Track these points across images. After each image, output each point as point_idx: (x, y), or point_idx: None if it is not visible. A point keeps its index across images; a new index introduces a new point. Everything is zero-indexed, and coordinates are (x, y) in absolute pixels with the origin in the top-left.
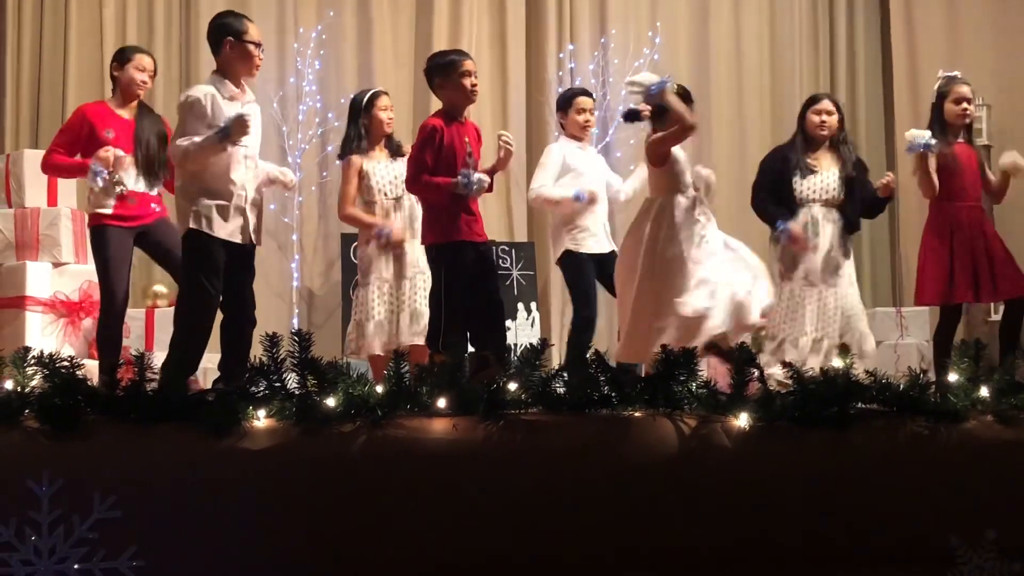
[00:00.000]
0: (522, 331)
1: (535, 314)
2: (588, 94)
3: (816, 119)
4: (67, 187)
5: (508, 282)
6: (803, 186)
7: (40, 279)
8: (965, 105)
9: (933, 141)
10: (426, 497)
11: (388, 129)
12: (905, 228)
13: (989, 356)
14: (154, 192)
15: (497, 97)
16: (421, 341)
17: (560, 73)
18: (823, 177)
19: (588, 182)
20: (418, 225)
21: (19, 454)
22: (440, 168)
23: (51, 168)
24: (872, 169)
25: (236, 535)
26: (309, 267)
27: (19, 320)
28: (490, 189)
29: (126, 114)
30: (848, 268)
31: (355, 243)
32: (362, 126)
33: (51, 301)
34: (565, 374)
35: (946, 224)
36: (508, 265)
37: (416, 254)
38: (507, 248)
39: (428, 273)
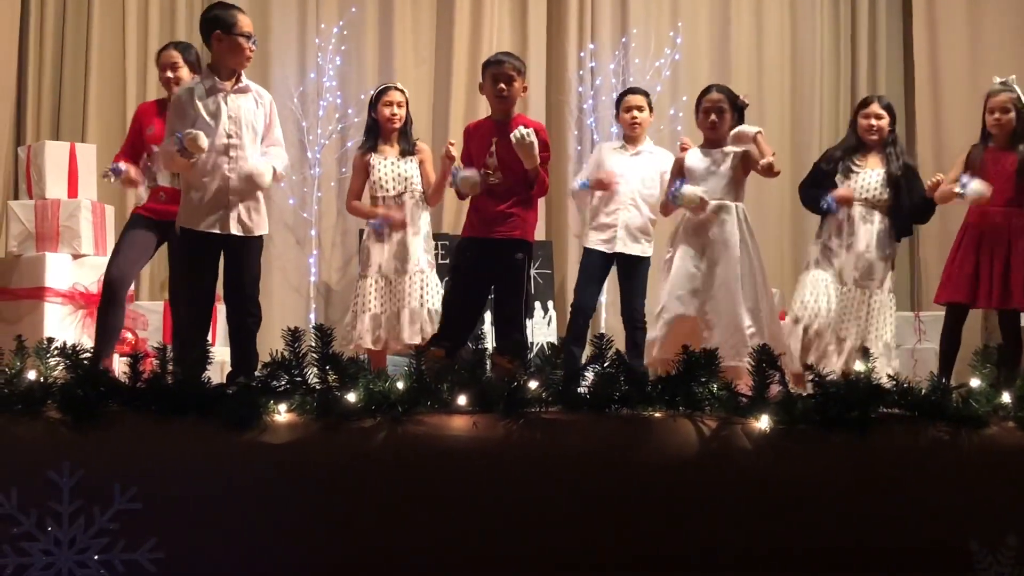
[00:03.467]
0: (539, 330)
1: (552, 312)
2: (639, 91)
3: (865, 122)
4: (88, 179)
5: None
6: (844, 185)
7: (60, 270)
8: (998, 115)
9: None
10: (446, 494)
11: (394, 125)
12: (925, 232)
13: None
14: None
15: None
16: (419, 340)
17: (580, 72)
18: (865, 176)
19: (621, 180)
20: (420, 223)
21: (41, 444)
22: (472, 160)
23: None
24: None
25: (255, 528)
26: (327, 262)
27: (38, 311)
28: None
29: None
30: (882, 271)
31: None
32: (372, 120)
33: (70, 292)
34: (586, 373)
35: (970, 227)
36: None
37: (418, 252)
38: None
39: (428, 272)
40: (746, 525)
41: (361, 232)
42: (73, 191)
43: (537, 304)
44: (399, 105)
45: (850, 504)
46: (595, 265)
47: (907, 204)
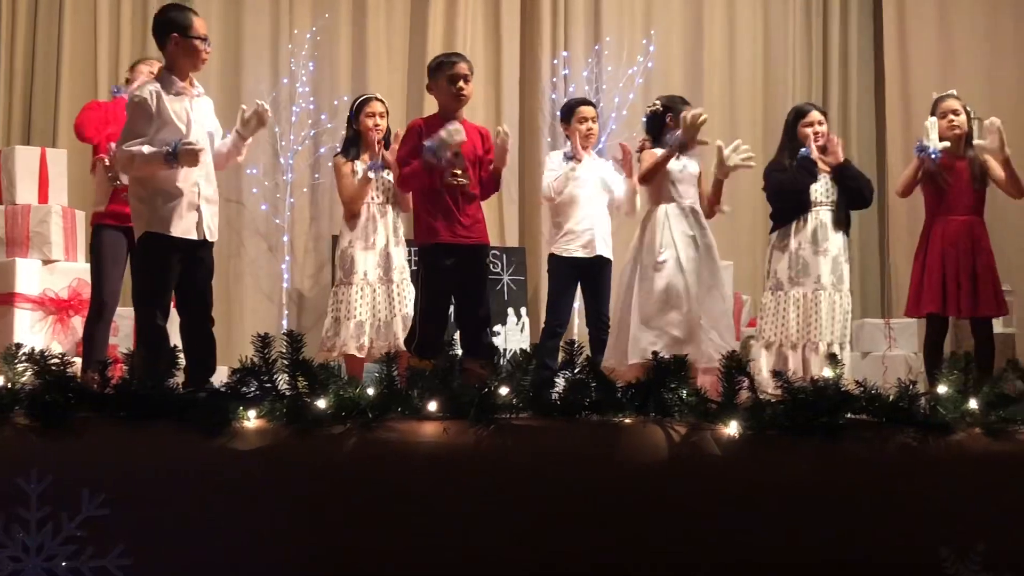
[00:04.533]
0: (512, 336)
1: (525, 319)
2: (590, 103)
3: (807, 131)
4: (58, 184)
5: (499, 287)
6: (814, 190)
7: (30, 276)
8: (951, 117)
9: (937, 153)
10: (416, 500)
11: (376, 135)
12: (895, 240)
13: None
14: None
15: (491, 103)
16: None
17: (554, 80)
18: (824, 181)
19: (583, 187)
20: (400, 233)
21: (8, 451)
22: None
23: None
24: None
25: (225, 535)
26: (300, 269)
27: (8, 317)
28: (494, 189)
29: None
30: (847, 273)
31: (338, 243)
32: (352, 131)
33: (40, 298)
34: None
35: (932, 236)
36: (499, 270)
37: (402, 260)
38: (497, 253)
39: (410, 280)
40: (715, 531)
41: (335, 239)
42: (44, 196)
43: (510, 311)
44: (381, 116)
45: (819, 510)
46: (570, 276)
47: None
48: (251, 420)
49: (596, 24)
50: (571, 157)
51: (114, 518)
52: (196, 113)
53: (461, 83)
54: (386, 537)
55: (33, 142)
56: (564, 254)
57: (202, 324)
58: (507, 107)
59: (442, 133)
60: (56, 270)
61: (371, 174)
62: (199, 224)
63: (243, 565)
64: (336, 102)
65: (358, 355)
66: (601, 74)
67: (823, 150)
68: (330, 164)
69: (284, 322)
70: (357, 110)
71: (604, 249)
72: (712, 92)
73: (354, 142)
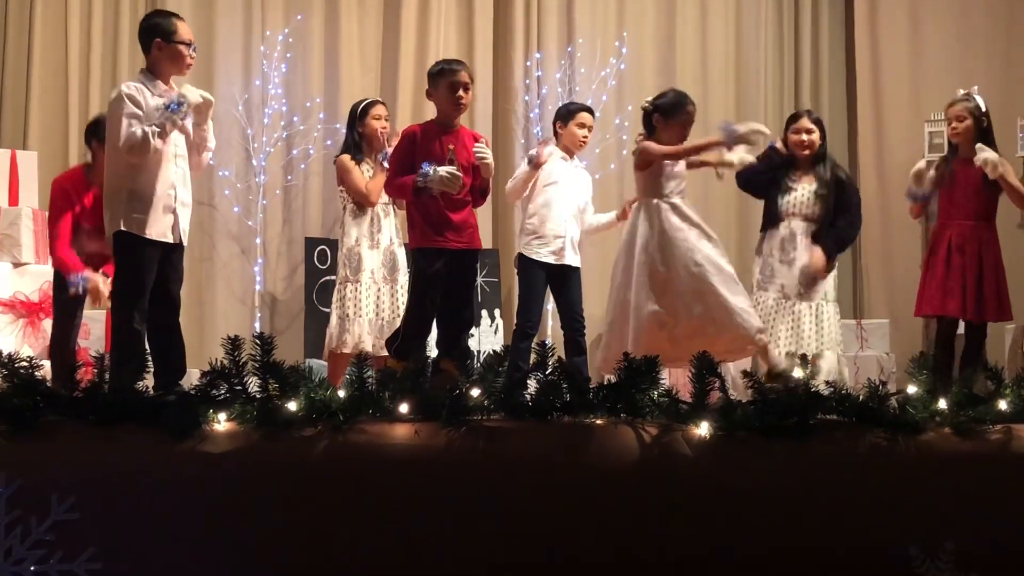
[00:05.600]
0: (485, 338)
1: (499, 321)
2: (591, 111)
3: (796, 138)
4: (29, 186)
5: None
6: (783, 200)
7: (0, 279)
8: (953, 124)
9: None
10: (387, 502)
11: (383, 138)
12: (867, 239)
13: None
14: None
15: None
16: None
17: (527, 81)
18: (802, 191)
19: (561, 193)
20: (400, 235)
21: None
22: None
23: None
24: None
25: (195, 538)
26: (272, 271)
27: None
28: (484, 197)
29: None
30: (823, 283)
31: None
32: (357, 134)
33: (11, 301)
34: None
35: (938, 239)
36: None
37: (404, 262)
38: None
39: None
40: (686, 531)
41: (308, 240)
42: (14, 199)
43: (484, 312)
44: (387, 119)
45: (790, 510)
46: (540, 280)
47: (835, 219)
48: (221, 423)
49: (569, 26)
50: (562, 157)
51: (83, 522)
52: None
53: (461, 91)
54: (357, 539)
55: (3, 144)
56: (534, 256)
57: (172, 327)
58: (480, 108)
59: (443, 172)
60: (27, 273)
61: (385, 164)
62: (174, 227)
63: (214, 568)
64: (308, 104)
65: (374, 352)
66: (574, 75)
67: (806, 157)
68: (333, 163)
69: (256, 325)
70: (363, 113)
71: (572, 258)
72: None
73: (358, 145)
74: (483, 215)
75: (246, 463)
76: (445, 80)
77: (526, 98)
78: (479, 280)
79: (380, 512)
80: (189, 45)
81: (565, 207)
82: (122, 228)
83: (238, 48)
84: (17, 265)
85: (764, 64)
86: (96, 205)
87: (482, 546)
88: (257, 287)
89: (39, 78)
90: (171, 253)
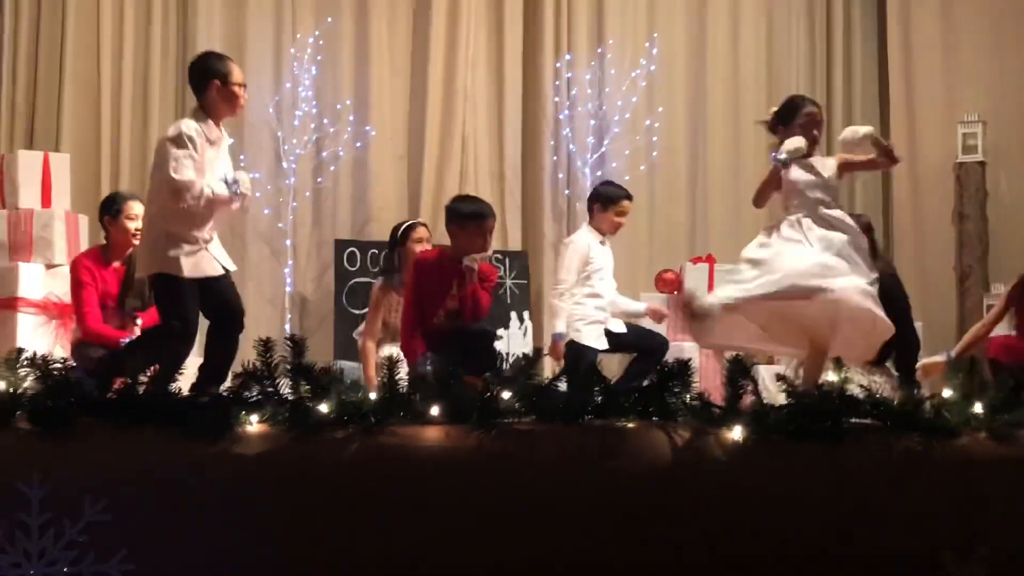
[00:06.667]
0: (515, 340)
1: (528, 323)
2: (631, 197)
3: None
4: (61, 189)
5: (501, 291)
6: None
7: (33, 280)
8: None
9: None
10: (417, 505)
11: None
12: (898, 243)
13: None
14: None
15: (493, 106)
16: None
17: (557, 83)
18: None
19: (607, 278)
20: None
21: (10, 456)
22: (424, 301)
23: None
24: (867, 188)
25: (226, 540)
26: (302, 273)
27: (11, 321)
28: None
29: None
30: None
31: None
32: (397, 257)
33: (43, 303)
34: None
35: None
36: (502, 274)
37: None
38: (500, 257)
39: None
40: (719, 535)
41: (338, 243)
42: (47, 201)
43: (513, 314)
44: (428, 240)
45: (822, 514)
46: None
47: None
48: (253, 425)
49: (599, 27)
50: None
51: (116, 523)
52: (219, 161)
53: (488, 237)
54: (389, 541)
55: (36, 146)
56: (584, 341)
57: (230, 339)
58: (510, 111)
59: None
60: (59, 274)
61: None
62: (211, 261)
63: (245, 569)
64: (339, 106)
65: None
66: (604, 77)
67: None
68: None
69: (287, 326)
70: (403, 236)
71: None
72: (715, 94)
73: (397, 269)
74: (512, 217)
75: (277, 465)
76: (475, 224)
77: (556, 100)
78: (508, 283)
79: (411, 513)
80: (243, 87)
81: (607, 291)
82: (160, 271)
83: (269, 51)
84: (50, 266)
85: (795, 64)
86: (116, 284)
87: (513, 548)
88: (287, 288)
89: (71, 80)
90: (215, 283)
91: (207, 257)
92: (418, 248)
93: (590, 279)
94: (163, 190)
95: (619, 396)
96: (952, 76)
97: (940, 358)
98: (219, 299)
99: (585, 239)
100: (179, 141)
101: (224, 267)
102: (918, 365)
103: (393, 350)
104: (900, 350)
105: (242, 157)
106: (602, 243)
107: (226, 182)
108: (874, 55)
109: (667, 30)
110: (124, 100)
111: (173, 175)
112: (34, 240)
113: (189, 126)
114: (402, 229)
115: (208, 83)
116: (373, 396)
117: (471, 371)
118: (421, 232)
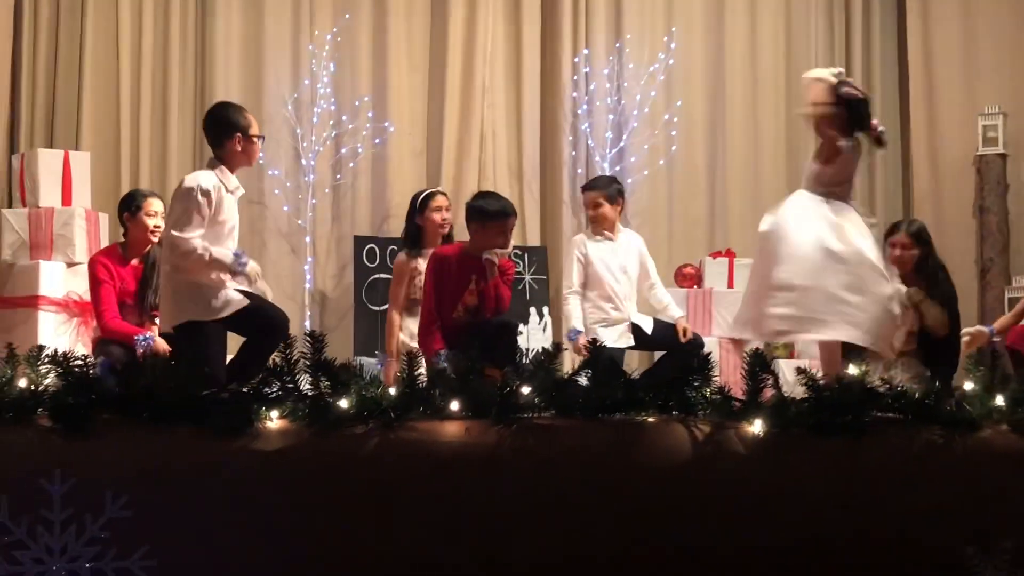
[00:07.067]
0: (534, 335)
1: (547, 319)
2: (595, 187)
3: (891, 252)
4: (82, 187)
5: (520, 286)
6: None
7: (53, 279)
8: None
9: None
10: (438, 500)
11: (443, 231)
12: None
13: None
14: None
15: (511, 101)
16: None
17: (575, 77)
18: None
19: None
20: None
21: (32, 453)
22: (443, 296)
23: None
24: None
25: (247, 535)
26: (322, 269)
27: (32, 319)
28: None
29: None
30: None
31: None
32: (416, 226)
33: (64, 301)
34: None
35: None
36: (521, 269)
37: None
38: (520, 252)
39: None
40: (739, 529)
41: (357, 239)
42: (67, 199)
43: (532, 310)
44: (447, 209)
45: (843, 508)
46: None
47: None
48: (273, 421)
49: (617, 21)
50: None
51: (137, 519)
52: (233, 210)
53: (509, 237)
54: (409, 536)
55: (56, 145)
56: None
57: (268, 350)
58: (528, 106)
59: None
60: (80, 272)
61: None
62: (233, 296)
63: (266, 566)
64: (357, 102)
65: None
66: (622, 71)
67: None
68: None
69: (307, 323)
70: (422, 205)
71: (643, 327)
72: (734, 88)
73: (417, 237)
74: (532, 212)
75: (298, 460)
76: (496, 224)
77: (574, 95)
78: (528, 278)
79: (431, 508)
80: (262, 138)
81: (616, 293)
82: (188, 319)
83: (287, 48)
84: (71, 265)
85: (814, 56)
86: (134, 281)
87: (532, 543)
88: (307, 285)
89: (91, 79)
90: (245, 310)
91: (228, 294)
92: (437, 217)
93: (599, 279)
94: (174, 245)
95: (639, 390)
96: (972, 67)
97: (985, 328)
98: (258, 319)
99: (577, 239)
100: (190, 196)
101: (247, 292)
102: (965, 332)
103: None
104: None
105: (261, 155)
106: (601, 239)
107: (236, 255)
108: (894, 47)
109: (685, 24)
110: (143, 98)
111: (175, 232)
112: (55, 238)
113: (206, 179)
114: (421, 198)
115: (231, 136)
116: (392, 391)
117: (493, 363)
118: (440, 201)
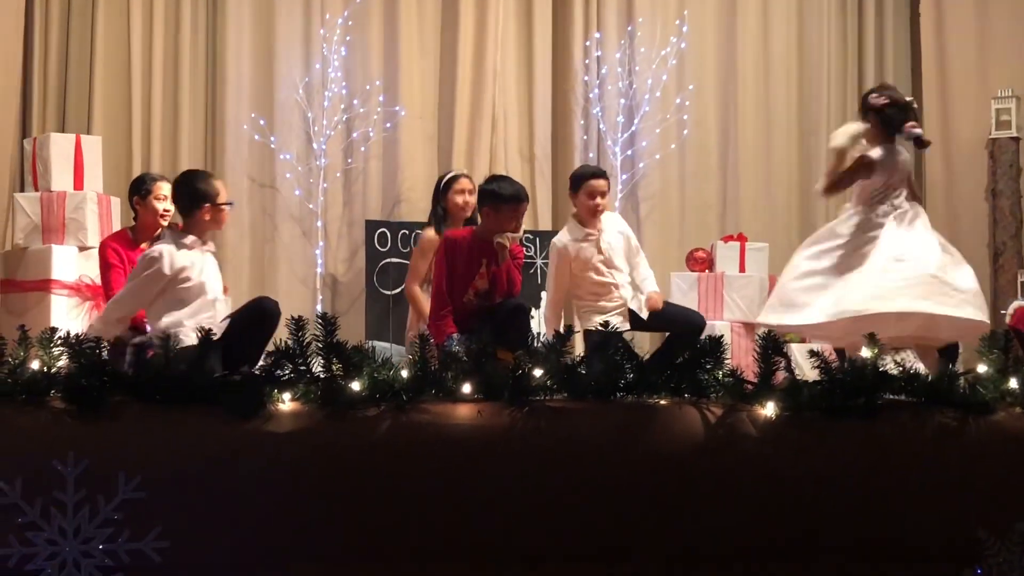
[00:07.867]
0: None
1: None
2: (602, 175)
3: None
4: (93, 171)
5: (532, 270)
6: None
7: (66, 262)
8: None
9: None
10: (450, 482)
11: (467, 213)
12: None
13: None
14: None
15: (523, 86)
16: None
17: (587, 61)
18: None
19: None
20: None
21: (45, 434)
22: (454, 280)
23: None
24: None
25: (260, 517)
26: (333, 253)
27: (44, 303)
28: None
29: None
30: None
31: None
32: (441, 208)
33: (76, 284)
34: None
35: None
36: (532, 253)
37: None
38: (531, 236)
39: None
40: (752, 512)
41: (368, 223)
42: (79, 183)
43: (543, 295)
44: (471, 192)
45: (856, 491)
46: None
47: None
48: (286, 403)
49: (629, 5)
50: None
51: (150, 501)
52: (210, 266)
53: (518, 222)
54: (421, 518)
55: (68, 129)
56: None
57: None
58: (539, 89)
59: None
60: (92, 256)
61: None
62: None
63: (278, 546)
64: (368, 87)
65: None
66: (634, 56)
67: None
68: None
69: (319, 306)
70: (445, 187)
71: (642, 312)
72: (746, 71)
73: (443, 218)
74: (543, 196)
75: (310, 442)
76: (508, 207)
77: (585, 79)
78: (539, 262)
79: (443, 490)
80: (231, 204)
81: (611, 280)
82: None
83: (298, 32)
84: (83, 248)
85: (827, 40)
86: None
87: (545, 525)
88: (318, 269)
89: (102, 63)
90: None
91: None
92: (459, 199)
93: (588, 279)
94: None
95: (651, 373)
96: (985, 51)
97: None
98: (251, 315)
99: (560, 241)
100: (154, 267)
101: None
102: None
103: None
104: None
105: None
106: (586, 238)
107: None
108: (906, 30)
109: (697, 8)
110: (155, 82)
111: (110, 302)
112: (67, 222)
113: (172, 255)
114: (445, 180)
115: (200, 206)
116: (404, 373)
117: (505, 346)
118: (463, 183)
